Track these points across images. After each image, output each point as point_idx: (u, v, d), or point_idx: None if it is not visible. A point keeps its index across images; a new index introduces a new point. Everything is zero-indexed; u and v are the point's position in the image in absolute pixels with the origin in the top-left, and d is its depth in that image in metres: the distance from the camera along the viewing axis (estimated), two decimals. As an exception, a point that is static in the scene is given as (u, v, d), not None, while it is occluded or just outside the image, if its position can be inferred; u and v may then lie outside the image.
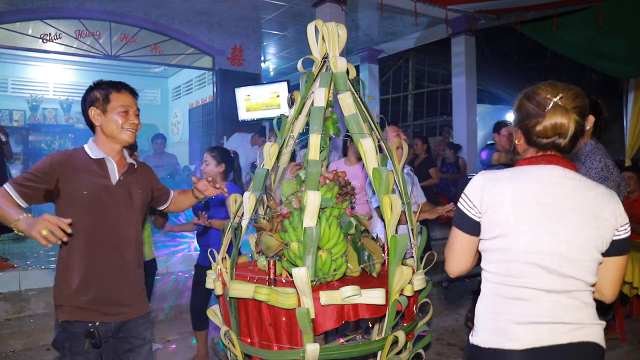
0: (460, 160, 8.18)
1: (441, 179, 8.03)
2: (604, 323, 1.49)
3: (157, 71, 11.33)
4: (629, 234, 1.49)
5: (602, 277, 1.50)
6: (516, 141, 1.61)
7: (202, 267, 3.54)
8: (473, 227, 1.54)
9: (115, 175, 2.18)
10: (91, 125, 2.18)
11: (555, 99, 1.46)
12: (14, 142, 9.97)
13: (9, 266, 4.78)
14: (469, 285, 6.10)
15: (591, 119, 2.29)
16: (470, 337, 1.58)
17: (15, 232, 1.80)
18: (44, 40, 7.59)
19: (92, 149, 2.15)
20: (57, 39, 7.65)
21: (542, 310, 1.44)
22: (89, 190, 2.06)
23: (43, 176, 2.01)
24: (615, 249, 1.47)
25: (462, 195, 1.57)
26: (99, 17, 7.71)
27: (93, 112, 2.13)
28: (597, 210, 1.45)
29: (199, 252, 3.76)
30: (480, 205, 1.51)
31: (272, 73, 12.15)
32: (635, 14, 5.85)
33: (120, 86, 2.18)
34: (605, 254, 1.47)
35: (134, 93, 2.23)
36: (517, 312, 1.45)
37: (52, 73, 10.55)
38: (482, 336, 1.52)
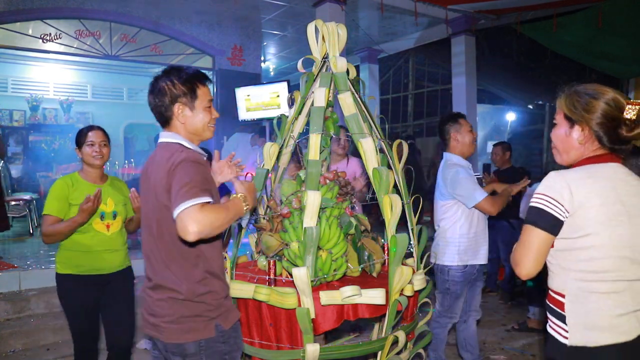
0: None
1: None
2: None
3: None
4: None
5: None
6: (581, 140, 1.62)
7: None
8: (556, 226, 1.54)
9: None
10: (167, 121, 1.88)
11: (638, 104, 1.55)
12: (14, 142, 9.99)
13: (10, 266, 4.78)
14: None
15: None
16: (561, 340, 1.57)
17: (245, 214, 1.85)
18: (44, 40, 7.58)
19: (191, 145, 1.87)
20: (57, 39, 7.64)
21: (634, 299, 1.52)
22: (214, 187, 1.89)
23: (209, 177, 1.81)
24: None
25: (542, 195, 1.57)
26: (99, 17, 7.70)
27: (178, 108, 1.85)
28: None
29: None
30: (570, 204, 1.52)
31: (272, 73, 12.15)
32: (635, 14, 5.85)
33: (203, 77, 1.93)
34: None
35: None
36: (614, 304, 1.51)
37: (52, 73, 10.54)
38: (581, 335, 1.53)
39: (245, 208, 1.75)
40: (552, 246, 1.59)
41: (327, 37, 2.68)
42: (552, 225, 1.54)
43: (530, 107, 10.66)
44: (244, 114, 6.98)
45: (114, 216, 2.80)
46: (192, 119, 1.85)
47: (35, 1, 7.16)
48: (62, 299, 2.78)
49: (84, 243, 2.71)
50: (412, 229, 2.75)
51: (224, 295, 1.86)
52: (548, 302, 1.65)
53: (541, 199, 1.56)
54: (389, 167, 2.61)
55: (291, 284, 2.27)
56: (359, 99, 2.69)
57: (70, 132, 10.16)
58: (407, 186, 2.69)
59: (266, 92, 6.74)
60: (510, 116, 10.87)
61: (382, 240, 2.69)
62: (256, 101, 6.79)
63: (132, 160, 10.31)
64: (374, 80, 10.84)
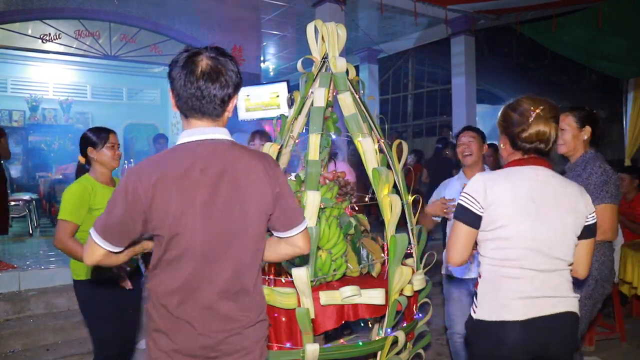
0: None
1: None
2: (578, 296, 1.82)
3: (157, 71, 11.31)
4: (595, 220, 1.84)
5: (577, 258, 1.83)
6: (502, 146, 1.91)
7: None
8: (475, 221, 1.77)
9: None
10: (217, 115, 1.52)
11: (537, 110, 1.77)
12: (14, 143, 9.99)
13: (9, 266, 4.77)
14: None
15: (588, 130, 2.60)
16: (472, 313, 1.83)
17: None
18: (44, 41, 7.57)
19: None
20: (57, 39, 7.64)
21: (535, 286, 1.74)
22: None
23: None
24: (586, 233, 1.82)
25: (464, 193, 1.80)
26: (99, 17, 7.70)
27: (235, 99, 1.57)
28: (574, 203, 1.79)
29: None
30: (483, 201, 1.75)
31: (272, 73, 12.15)
32: (635, 14, 5.85)
33: None
34: (580, 237, 1.81)
35: None
36: (515, 289, 1.74)
37: (51, 73, 10.54)
38: (485, 311, 1.77)
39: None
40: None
41: (327, 37, 2.68)
42: (473, 219, 1.77)
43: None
44: (243, 114, 6.99)
45: None
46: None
47: (35, 1, 7.16)
48: (91, 305, 2.68)
49: None
50: (411, 229, 2.75)
51: None
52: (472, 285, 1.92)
53: (464, 197, 1.80)
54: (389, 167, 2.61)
55: (291, 284, 2.27)
56: (358, 99, 2.68)
57: (70, 132, 10.17)
58: (406, 186, 2.69)
59: (266, 92, 6.75)
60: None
61: (382, 240, 2.69)
62: (256, 101, 6.81)
63: (131, 160, 10.30)
64: (374, 81, 10.84)
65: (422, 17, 8.04)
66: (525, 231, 1.72)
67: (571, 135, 2.60)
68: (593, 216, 1.83)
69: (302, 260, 2.23)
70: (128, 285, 2.68)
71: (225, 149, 1.49)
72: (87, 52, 7.95)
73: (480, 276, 1.84)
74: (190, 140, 1.48)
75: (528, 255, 1.73)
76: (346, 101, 2.56)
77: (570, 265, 1.81)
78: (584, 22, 6.42)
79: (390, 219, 2.39)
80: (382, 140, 2.69)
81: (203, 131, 1.49)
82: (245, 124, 7.23)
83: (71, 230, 2.54)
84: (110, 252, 1.43)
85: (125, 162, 10.42)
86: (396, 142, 2.78)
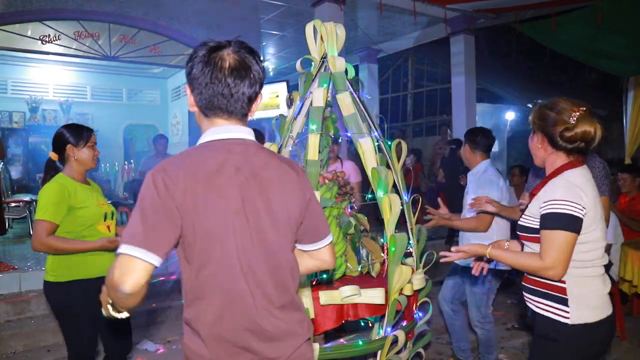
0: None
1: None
2: None
3: (156, 72, 11.32)
4: None
5: None
6: (538, 145, 1.93)
7: None
8: (580, 226, 1.77)
9: None
10: (244, 115, 1.43)
11: (581, 111, 1.80)
12: (14, 144, 10.00)
13: (10, 267, 4.78)
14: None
15: None
16: (563, 320, 1.80)
17: None
18: (43, 42, 7.58)
19: None
20: (56, 40, 7.64)
21: (607, 279, 1.89)
22: None
23: None
24: None
25: (565, 201, 1.76)
26: (98, 19, 7.70)
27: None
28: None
29: None
30: (585, 205, 1.77)
31: (271, 73, 12.15)
32: (634, 12, 5.85)
33: None
34: None
35: None
36: (602, 286, 1.84)
37: (51, 74, 10.55)
38: (583, 314, 1.79)
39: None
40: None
41: (326, 37, 2.68)
42: (580, 225, 1.77)
43: (530, 105, 10.66)
44: (243, 114, 6.99)
45: (112, 216, 2.76)
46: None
47: (34, 2, 7.16)
48: (67, 308, 2.56)
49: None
50: (411, 229, 2.75)
51: None
52: (545, 290, 1.87)
53: (567, 204, 1.76)
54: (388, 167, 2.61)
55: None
56: (357, 99, 2.69)
57: (70, 133, 10.16)
58: (406, 186, 2.69)
59: (265, 92, 6.74)
60: (510, 115, 10.87)
61: (382, 240, 2.69)
62: (255, 101, 6.81)
63: (131, 161, 10.32)
64: (373, 80, 10.84)
65: (422, 16, 8.04)
66: (602, 231, 1.83)
67: None
68: None
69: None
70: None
71: (255, 150, 1.38)
72: (86, 53, 7.95)
73: (563, 281, 1.81)
74: (219, 138, 1.36)
75: (602, 252, 1.85)
76: (345, 101, 2.57)
77: None
78: (583, 21, 6.42)
79: (390, 218, 2.39)
80: (382, 140, 2.69)
81: (231, 129, 1.37)
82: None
83: (51, 230, 2.45)
84: (153, 265, 1.22)
85: (126, 162, 10.46)
86: (395, 141, 2.78)
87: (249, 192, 1.32)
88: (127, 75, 11.12)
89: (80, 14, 7.56)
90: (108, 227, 2.71)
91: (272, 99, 6.64)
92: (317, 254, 1.49)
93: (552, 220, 1.76)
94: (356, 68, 11.13)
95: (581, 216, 1.75)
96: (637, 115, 7.75)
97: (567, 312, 1.79)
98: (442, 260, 2.13)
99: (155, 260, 1.22)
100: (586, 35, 6.67)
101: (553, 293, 1.83)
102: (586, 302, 1.80)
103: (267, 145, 2.68)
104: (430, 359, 3.80)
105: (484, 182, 3.19)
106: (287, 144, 2.90)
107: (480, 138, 3.35)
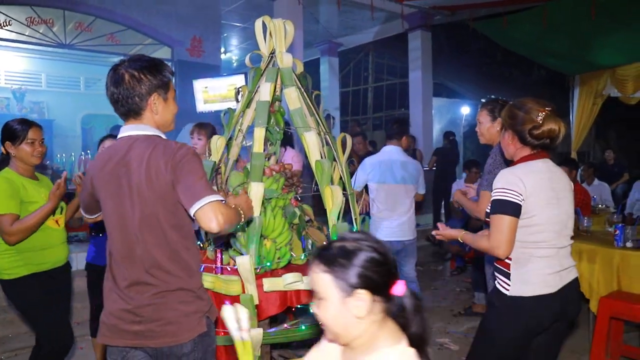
0: (417, 151, 8.39)
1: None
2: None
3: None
4: None
5: None
6: (509, 141, 2.12)
7: (95, 266, 3.14)
8: (519, 211, 1.97)
9: None
10: (137, 112, 1.77)
11: (547, 110, 2.00)
12: (-37, 133, 9.63)
13: None
14: (421, 274, 6.34)
15: (500, 121, 2.75)
16: (504, 291, 2.05)
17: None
18: (-7, 27, 7.36)
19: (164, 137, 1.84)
20: (7, 25, 7.41)
21: (559, 261, 2.05)
22: None
23: None
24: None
25: (503, 188, 1.99)
26: (52, 5, 7.51)
27: (155, 99, 1.78)
28: (570, 186, 2.13)
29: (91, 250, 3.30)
30: (524, 192, 1.96)
31: (234, 64, 12.10)
32: (577, 14, 6.14)
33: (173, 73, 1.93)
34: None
35: None
36: (547, 265, 2.02)
37: (3, 61, 10.18)
38: (520, 288, 2.02)
39: (242, 218, 1.82)
40: None
41: (274, 33, 2.76)
42: (517, 210, 1.97)
43: (483, 100, 11.03)
44: (201, 106, 6.99)
45: (61, 210, 2.77)
46: (165, 110, 1.80)
47: (-17, -14, 6.94)
48: (24, 300, 2.64)
49: (42, 240, 2.64)
50: (355, 219, 2.88)
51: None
52: (498, 265, 2.12)
53: (503, 191, 1.99)
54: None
55: (236, 272, 2.36)
56: (304, 94, 2.78)
57: (24, 122, 9.86)
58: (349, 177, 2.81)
59: (224, 84, 6.77)
60: (465, 109, 11.21)
61: (327, 230, 2.80)
62: (214, 93, 6.82)
63: (88, 152, 10.11)
64: (334, 73, 10.96)
65: (379, 11, 8.20)
66: (552, 216, 2.00)
67: (486, 127, 2.89)
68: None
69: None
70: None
71: (133, 141, 1.71)
72: (40, 40, 7.75)
73: (510, 258, 2.04)
74: (119, 137, 1.79)
75: (554, 236, 2.02)
76: (291, 95, 2.66)
77: (573, 238, 2.15)
78: (532, 20, 6.70)
79: (332, 209, 2.51)
80: (328, 133, 2.80)
81: (123, 129, 1.79)
82: (204, 116, 7.23)
83: (13, 221, 2.47)
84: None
85: (82, 153, 10.23)
86: (341, 135, 2.90)
87: (123, 182, 1.69)
88: (85, 63, 10.82)
89: None
90: (57, 221, 2.73)
91: (231, 91, 6.65)
92: (197, 216, 1.60)
93: (494, 206, 2.01)
94: (317, 61, 11.22)
95: (518, 202, 1.95)
96: (582, 112, 8.13)
97: (509, 285, 2.04)
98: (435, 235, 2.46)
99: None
100: (534, 34, 6.96)
101: (502, 268, 2.09)
102: (525, 278, 2.01)
103: (214, 137, 2.75)
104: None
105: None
106: (237, 137, 2.98)
107: None
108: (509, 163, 2.36)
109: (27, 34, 7.67)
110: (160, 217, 1.66)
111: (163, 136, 1.78)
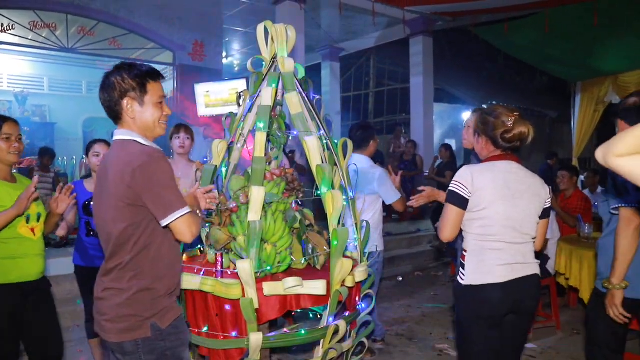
0: (417, 157, 8.39)
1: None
2: (538, 261, 2.26)
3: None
4: (550, 204, 2.30)
5: (537, 234, 2.27)
6: (483, 145, 2.26)
7: (79, 267, 3.28)
8: (463, 203, 2.14)
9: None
10: (117, 116, 1.85)
11: (515, 115, 2.14)
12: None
13: None
14: (421, 280, 6.33)
15: None
16: (460, 281, 2.20)
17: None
18: (-4, 31, 7.40)
19: (146, 141, 1.86)
20: (10, 29, 7.45)
21: (511, 255, 2.15)
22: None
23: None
24: (544, 214, 2.26)
25: (454, 181, 2.16)
26: (55, 9, 7.56)
27: (127, 102, 1.82)
28: (537, 190, 2.21)
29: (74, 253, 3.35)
30: (471, 187, 2.12)
31: (236, 69, 12.13)
32: (578, 20, 6.16)
33: (156, 74, 1.91)
34: (540, 217, 2.24)
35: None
36: (496, 257, 2.14)
37: (5, 64, 10.23)
38: (472, 277, 2.16)
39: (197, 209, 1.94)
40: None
41: (276, 38, 2.77)
42: (463, 202, 2.14)
43: (485, 106, 11.02)
44: (203, 110, 7.00)
45: (38, 218, 2.54)
46: (142, 114, 1.83)
47: (-14, -10, 6.98)
48: None
49: (12, 250, 2.42)
50: (356, 224, 2.88)
51: (165, 293, 1.82)
52: (460, 259, 2.25)
53: (455, 184, 2.16)
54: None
55: (237, 275, 2.36)
56: (306, 98, 2.79)
57: (26, 125, 9.87)
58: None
59: (225, 88, 6.79)
60: (466, 115, 11.21)
61: (328, 234, 2.80)
62: (215, 97, 6.84)
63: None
64: (336, 78, 10.98)
65: (381, 17, 8.23)
66: (502, 212, 2.12)
67: (473, 132, 2.90)
68: (549, 201, 2.28)
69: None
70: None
71: (114, 146, 1.84)
72: (43, 44, 7.78)
73: (465, 250, 2.20)
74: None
75: (505, 231, 2.14)
76: (293, 100, 2.67)
77: (534, 239, 2.24)
78: (533, 26, 6.72)
79: (332, 213, 2.51)
80: (329, 138, 2.80)
81: (114, 133, 1.88)
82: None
83: None
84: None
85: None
86: (342, 140, 2.90)
87: (104, 184, 1.80)
88: (87, 67, 10.86)
89: (36, 4, 7.41)
90: (32, 230, 2.50)
91: (232, 95, 6.67)
92: (170, 228, 1.75)
93: (447, 196, 2.20)
94: (318, 66, 11.25)
95: (465, 195, 2.13)
96: (584, 118, 8.14)
97: (463, 275, 2.20)
98: (411, 203, 2.65)
99: None
100: (536, 41, 6.98)
101: (461, 260, 2.24)
102: (476, 268, 2.16)
103: (216, 141, 2.76)
104: (378, 349, 3.96)
105: None
106: (238, 141, 2.98)
107: None
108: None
109: (30, 37, 7.71)
110: (108, 219, 1.77)
111: (141, 140, 1.81)
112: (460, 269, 2.23)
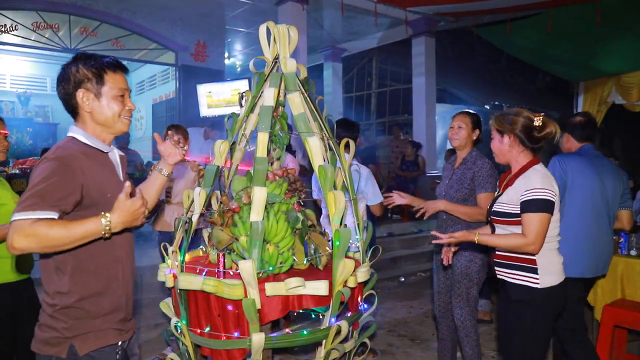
0: (419, 158, 8.39)
1: (400, 177, 8.24)
2: None
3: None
4: None
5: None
6: (509, 146, 2.32)
7: None
8: (553, 208, 2.22)
9: (119, 170, 1.85)
10: (74, 111, 1.73)
11: (542, 116, 2.24)
12: (-31, 136, 9.69)
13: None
14: (424, 280, 6.32)
15: (477, 132, 3.17)
16: (534, 285, 2.25)
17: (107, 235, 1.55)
18: None
19: (90, 139, 1.72)
20: (13, 30, 7.47)
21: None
22: (112, 192, 1.67)
23: (71, 185, 1.57)
24: None
25: (546, 190, 2.20)
26: (58, 10, 7.57)
27: (82, 94, 1.69)
28: None
29: None
30: (555, 191, 2.23)
31: (239, 69, 12.14)
32: (581, 21, 6.15)
33: (116, 65, 1.77)
34: None
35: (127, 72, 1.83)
36: (557, 255, 2.31)
37: (8, 65, 10.27)
38: (552, 278, 2.26)
39: (105, 228, 1.53)
40: None
41: (278, 39, 2.77)
42: (553, 208, 2.22)
43: (487, 107, 11.01)
44: (205, 110, 7.01)
45: None
46: (99, 107, 1.69)
47: (-11, -9, 7.00)
48: None
49: (3, 249, 2.32)
50: (358, 224, 2.88)
51: (99, 314, 1.67)
52: (517, 262, 2.31)
53: (546, 191, 2.19)
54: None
55: (239, 276, 2.36)
56: (308, 99, 2.79)
57: (29, 126, 9.94)
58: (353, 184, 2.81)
59: (227, 89, 6.79)
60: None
61: (330, 235, 2.80)
62: (217, 98, 6.84)
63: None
64: (338, 79, 10.98)
65: (383, 17, 8.22)
66: (556, 212, 2.25)
67: (466, 133, 3.10)
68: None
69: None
70: None
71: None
72: (45, 45, 7.80)
73: (532, 254, 2.26)
74: None
75: (558, 230, 2.31)
76: (295, 101, 2.67)
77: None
78: (536, 27, 6.71)
79: (335, 214, 2.50)
80: (330, 138, 2.80)
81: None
82: (207, 120, 7.25)
83: None
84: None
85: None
86: (344, 141, 2.90)
87: None
88: (90, 67, 10.90)
89: (38, 5, 7.43)
90: None
91: (234, 96, 6.68)
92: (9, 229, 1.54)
93: (534, 205, 2.18)
94: (321, 66, 11.25)
95: (554, 200, 2.20)
96: (586, 119, 8.10)
97: (537, 279, 2.25)
98: (433, 241, 2.51)
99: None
100: (538, 40, 6.97)
101: (524, 264, 2.28)
102: (550, 269, 2.27)
103: (218, 142, 2.76)
104: (381, 349, 3.95)
105: None
106: (240, 142, 2.98)
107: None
108: (498, 167, 2.63)
109: (32, 38, 7.73)
110: None
111: (81, 138, 1.70)
112: (524, 273, 2.29)
